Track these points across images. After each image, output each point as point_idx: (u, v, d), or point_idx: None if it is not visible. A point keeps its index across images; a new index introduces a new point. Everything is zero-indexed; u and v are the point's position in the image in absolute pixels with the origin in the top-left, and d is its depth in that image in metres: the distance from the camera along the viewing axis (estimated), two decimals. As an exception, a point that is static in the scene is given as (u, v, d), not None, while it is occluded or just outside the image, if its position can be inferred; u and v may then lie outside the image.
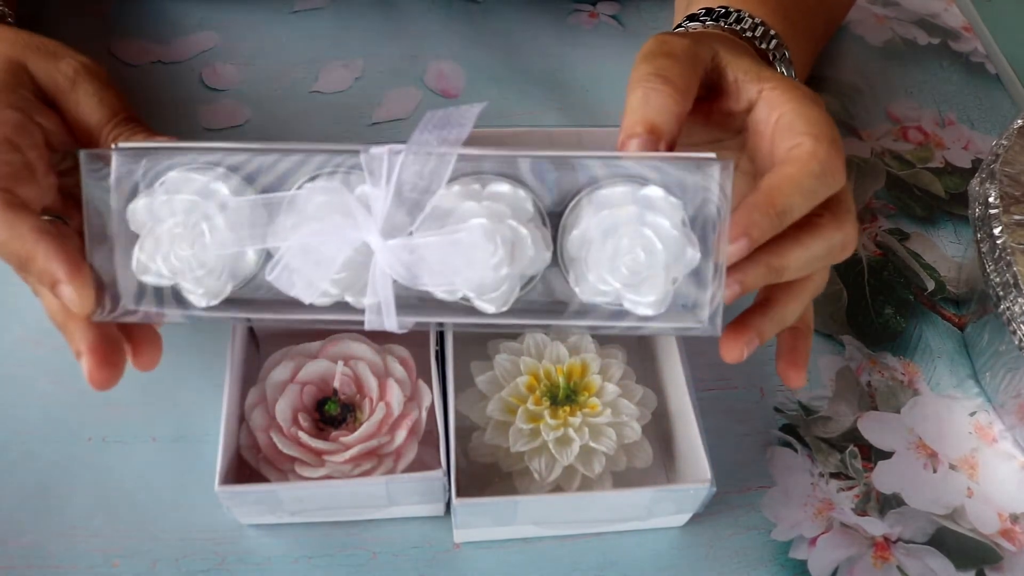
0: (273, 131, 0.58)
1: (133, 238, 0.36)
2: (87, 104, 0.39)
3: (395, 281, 0.34)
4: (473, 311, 0.35)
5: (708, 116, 0.40)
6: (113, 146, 0.35)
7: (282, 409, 0.41)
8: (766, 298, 0.38)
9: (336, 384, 0.43)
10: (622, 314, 0.35)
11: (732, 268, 0.35)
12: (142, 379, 0.46)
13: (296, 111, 0.59)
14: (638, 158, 0.35)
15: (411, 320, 0.35)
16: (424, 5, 0.67)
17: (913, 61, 0.68)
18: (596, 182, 0.35)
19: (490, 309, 0.35)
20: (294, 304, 0.36)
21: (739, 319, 0.37)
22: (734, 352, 0.37)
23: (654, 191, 0.34)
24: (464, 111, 0.34)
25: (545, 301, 0.36)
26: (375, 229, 0.33)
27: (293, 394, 0.42)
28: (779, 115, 0.37)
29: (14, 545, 0.41)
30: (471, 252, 0.33)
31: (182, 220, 0.35)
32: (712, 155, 0.34)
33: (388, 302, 0.34)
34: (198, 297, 0.35)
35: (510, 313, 0.36)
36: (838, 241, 0.37)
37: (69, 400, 0.46)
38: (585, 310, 0.36)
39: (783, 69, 0.46)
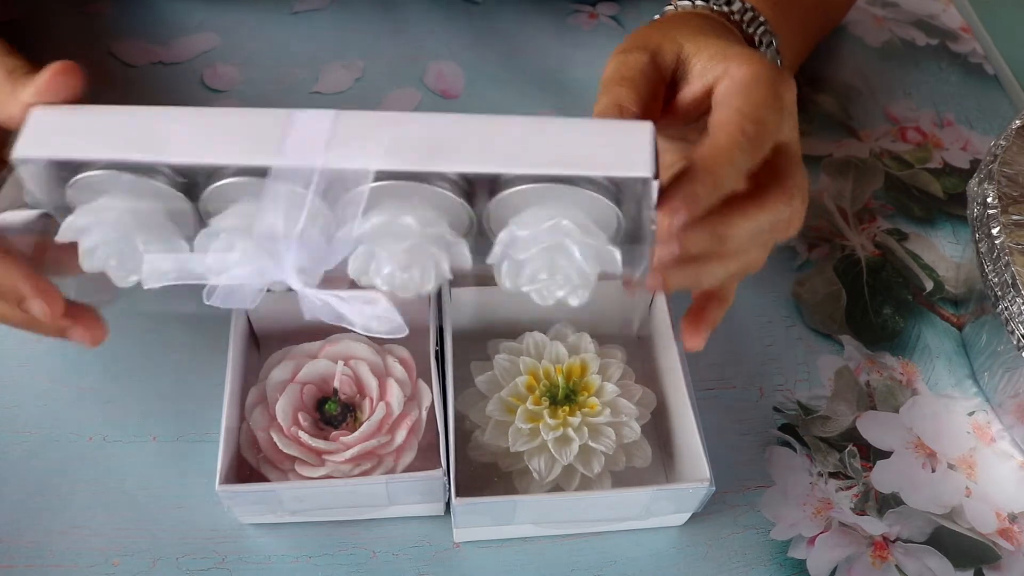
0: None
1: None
2: None
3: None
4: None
5: (677, 109, 0.40)
6: (11, 159, 0.34)
7: (282, 409, 0.41)
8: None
9: (336, 384, 0.43)
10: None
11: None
12: (142, 379, 0.47)
13: (296, 111, 0.59)
14: (566, 177, 0.33)
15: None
16: (424, 5, 0.67)
17: (912, 62, 0.68)
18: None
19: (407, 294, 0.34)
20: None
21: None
22: (630, 287, 0.37)
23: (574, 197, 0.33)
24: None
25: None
26: (292, 271, 0.33)
27: (293, 394, 0.42)
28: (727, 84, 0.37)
29: (15, 544, 0.41)
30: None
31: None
32: (647, 174, 0.32)
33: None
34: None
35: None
36: (784, 216, 0.36)
37: (69, 400, 0.46)
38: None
39: (769, 57, 0.46)
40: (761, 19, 0.45)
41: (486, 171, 0.32)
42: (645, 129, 0.33)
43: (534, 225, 0.33)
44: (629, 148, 0.33)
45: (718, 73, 0.38)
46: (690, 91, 0.39)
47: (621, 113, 0.37)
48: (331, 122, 0.32)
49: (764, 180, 0.36)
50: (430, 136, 0.32)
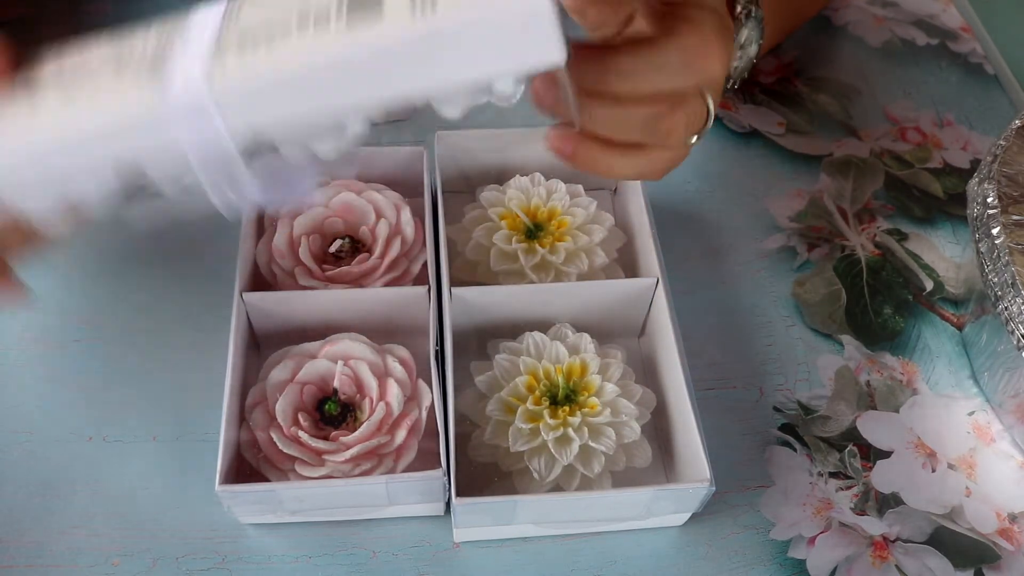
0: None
1: None
2: None
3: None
4: None
5: None
6: None
7: (282, 409, 0.41)
8: None
9: (336, 384, 0.43)
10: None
11: None
12: (142, 379, 0.47)
13: (296, 111, 0.59)
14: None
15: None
16: (424, 5, 0.67)
17: (912, 62, 0.68)
18: None
19: None
20: None
21: None
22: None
23: None
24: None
25: None
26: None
27: (293, 394, 0.42)
28: None
29: (15, 544, 0.41)
30: None
31: None
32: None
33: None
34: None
35: None
36: (672, 60, 0.33)
37: (69, 400, 0.46)
38: None
39: (753, 32, 0.45)
40: None
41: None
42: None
43: None
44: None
45: None
46: None
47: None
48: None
49: (655, 34, 0.33)
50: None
